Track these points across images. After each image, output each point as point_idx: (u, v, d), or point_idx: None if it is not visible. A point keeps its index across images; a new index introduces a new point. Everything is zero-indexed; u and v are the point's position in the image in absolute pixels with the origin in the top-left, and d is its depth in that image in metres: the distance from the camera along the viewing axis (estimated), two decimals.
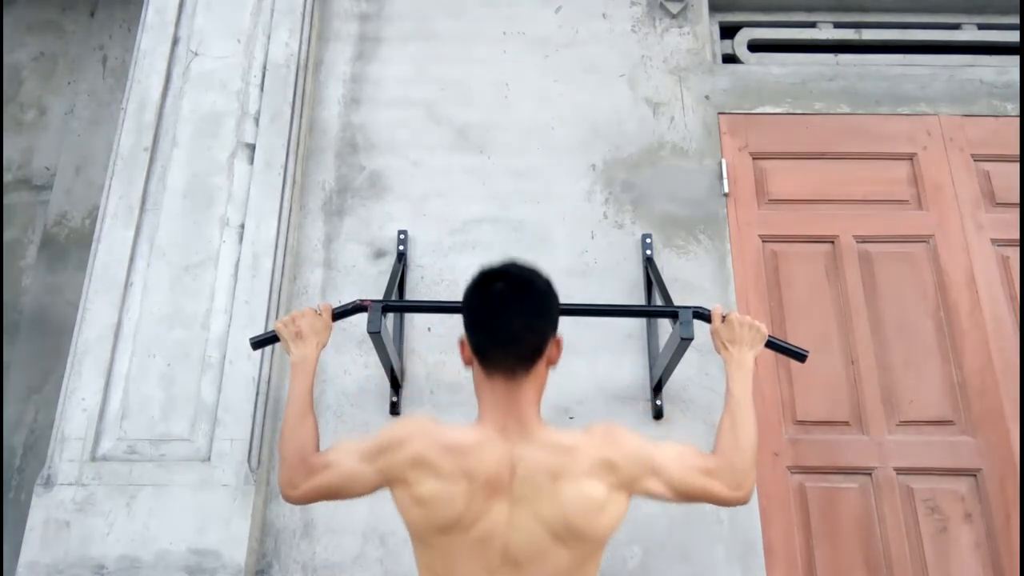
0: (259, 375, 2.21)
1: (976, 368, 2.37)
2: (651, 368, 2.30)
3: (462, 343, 1.39)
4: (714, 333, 1.67)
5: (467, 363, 1.39)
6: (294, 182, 2.50)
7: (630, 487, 1.33)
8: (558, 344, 1.38)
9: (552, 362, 1.38)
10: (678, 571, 2.12)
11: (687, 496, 1.39)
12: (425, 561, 1.33)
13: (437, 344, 2.36)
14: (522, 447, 1.29)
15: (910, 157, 2.66)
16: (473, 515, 1.26)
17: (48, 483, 2.07)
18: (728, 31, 2.99)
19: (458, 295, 2.41)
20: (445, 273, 2.47)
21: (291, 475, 1.42)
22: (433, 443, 1.31)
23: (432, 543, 1.29)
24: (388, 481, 1.34)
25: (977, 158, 2.65)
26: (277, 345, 1.92)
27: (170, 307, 2.27)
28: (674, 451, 1.39)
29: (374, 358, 2.23)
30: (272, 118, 2.53)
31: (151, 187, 2.43)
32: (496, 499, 1.26)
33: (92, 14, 3.55)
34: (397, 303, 2.22)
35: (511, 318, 1.32)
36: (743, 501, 1.43)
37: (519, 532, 1.25)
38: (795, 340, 2.17)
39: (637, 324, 2.38)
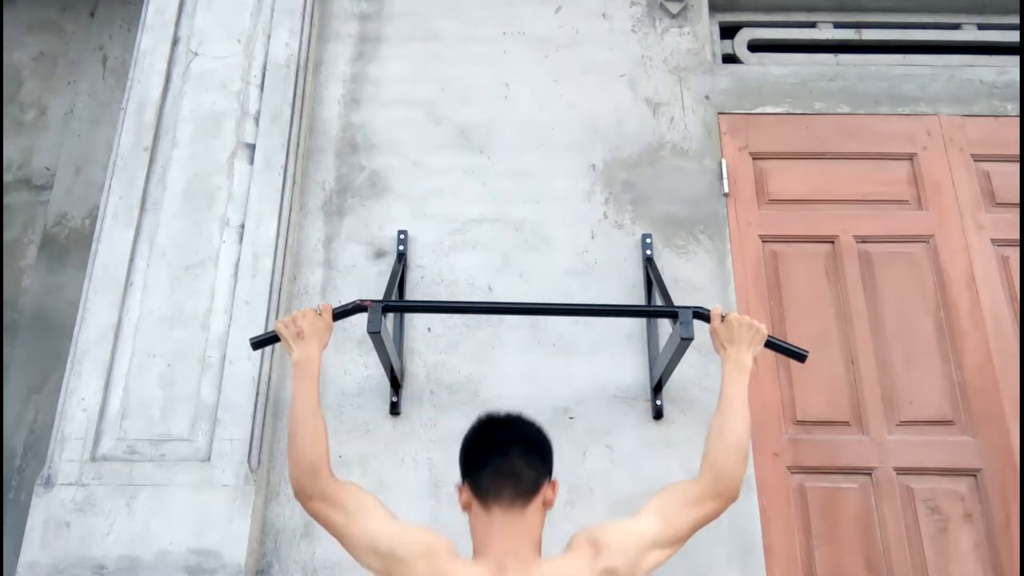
0: (259, 375, 2.21)
1: (976, 368, 2.37)
2: (651, 368, 2.30)
3: (460, 488, 1.44)
4: (713, 333, 1.67)
5: (465, 508, 1.42)
6: (294, 182, 2.50)
7: (634, 573, 1.35)
8: (554, 487, 1.43)
9: (548, 504, 1.42)
10: (678, 571, 2.12)
11: (687, 536, 1.44)
12: None
13: (437, 344, 2.36)
14: None
15: (910, 157, 2.66)
16: None
17: (48, 483, 2.07)
18: (728, 31, 2.99)
19: (458, 295, 2.44)
20: (445, 273, 2.47)
21: (302, 483, 1.46)
22: (438, 574, 1.33)
23: None
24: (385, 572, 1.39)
25: (977, 158, 2.65)
26: (277, 345, 1.92)
27: (170, 307, 2.27)
28: (655, 511, 1.43)
29: (374, 358, 2.23)
30: (272, 118, 2.53)
31: (151, 187, 2.43)
32: None
33: (92, 14, 3.55)
34: (397, 303, 2.22)
35: (510, 453, 1.39)
36: (732, 501, 1.47)
37: None
38: (795, 340, 2.17)
39: (637, 324, 2.38)
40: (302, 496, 1.47)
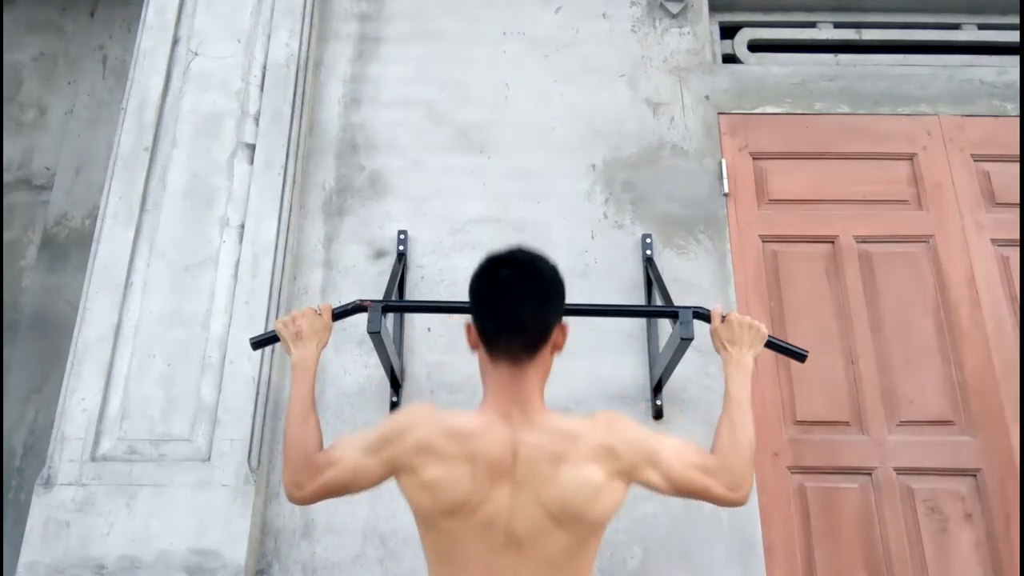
0: (259, 375, 2.21)
1: (976, 368, 2.37)
2: (651, 368, 2.30)
3: (468, 327, 1.40)
4: (714, 333, 1.67)
5: (473, 347, 1.40)
6: (294, 182, 2.50)
7: (629, 475, 1.33)
8: (563, 330, 1.39)
9: (557, 348, 1.39)
10: (678, 571, 2.12)
11: (684, 491, 1.38)
12: (431, 545, 1.33)
13: (437, 344, 2.36)
14: (525, 432, 1.30)
15: (910, 157, 2.66)
16: (478, 498, 1.27)
17: (48, 483, 2.07)
18: (728, 31, 2.99)
19: (458, 295, 2.43)
20: (445, 273, 2.47)
21: (296, 476, 1.42)
22: (437, 428, 1.32)
23: (439, 527, 1.30)
24: (394, 470, 1.35)
25: (977, 158, 2.65)
26: (277, 345, 1.92)
27: (170, 307, 2.27)
28: (675, 446, 1.39)
29: (374, 358, 2.23)
30: (272, 118, 2.53)
31: (151, 187, 2.43)
32: (499, 483, 1.28)
33: (92, 14, 3.56)
34: (397, 303, 2.22)
35: (517, 305, 1.33)
36: (740, 502, 1.43)
37: (520, 515, 1.27)
38: (795, 340, 2.17)
39: (637, 324, 2.38)
40: (296, 490, 1.41)
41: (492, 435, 1.30)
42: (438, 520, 1.29)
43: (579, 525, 1.28)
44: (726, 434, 1.45)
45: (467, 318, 1.39)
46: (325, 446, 1.46)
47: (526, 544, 1.27)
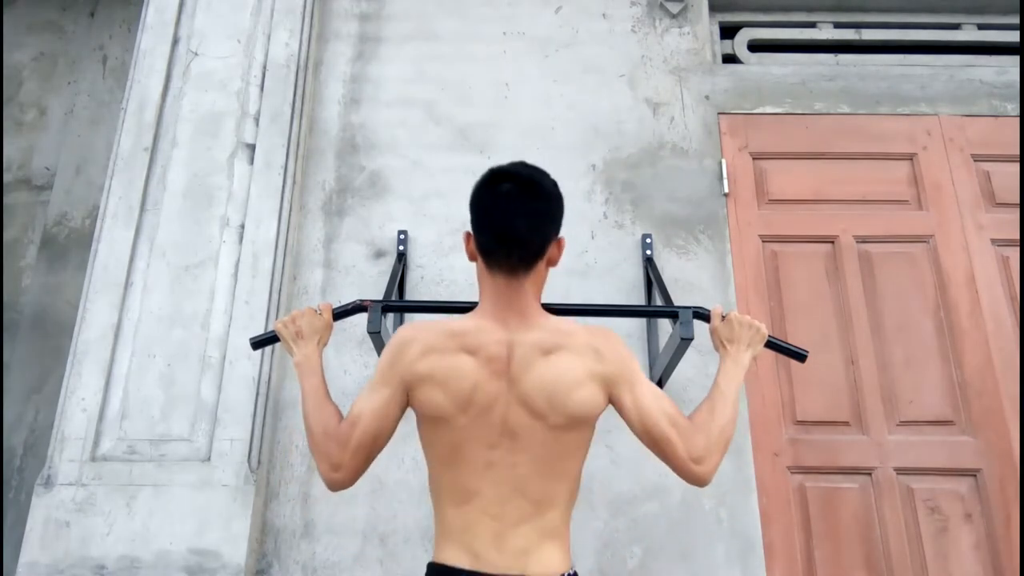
0: (259, 375, 2.21)
1: (976, 368, 2.37)
2: (651, 368, 2.30)
3: (467, 237, 1.42)
4: (713, 332, 1.66)
5: (471, 258, 1.43)
6: (294, 182, 2.50)
7: (608, 385, 1.36)
8: (559, 245, 1.41)
9: (552, 262, 1.42)
10: (678, 571, 2.12)
11: (648, 433, 1.38)
12: (435, 452, 1.37)
13: None
14: (521, 334, 1.35)
15: (910, 157, 2.66)
16: (481, 393, 1.32)
17: (48, 483, 2.07)
18: (728, 31, 2.99)
19: (458, 295, 2.43)
20: (445, 273, 2.47)
21: (328, 458, 1.40)
22: (435, 332, 1.37)
23: (449, 425, 1.33)
24: (408, 388, 1.37)
25: (977, 158, 2.65)
26: (277, 345, 1.92)
27: (170, 307, 2.27)
28: (656, 390, 1.42)
29: (374, 358, 2.23)
30: (272, 118, 2.53)
31: (151, 187, 2.43)
32: (497, 378, 1.33)
33: (92, 14, 3.56)
34: (397, 303, 2.21)
35: (516, 220, 1.35)
36: (700, 478, 1.39)
37: (514, 408, 1.32)
38: (795, 340, 2.17)
39: (637, 324, 2.38)
40: (336, 471, 1.38)
41: (489, 334, 1.35)
42: (454, 417, 1.32)
43: (561, 416, 1.32)
44: (704, 414, 1.44)
45: (466, 227, 1.42)
46: None
47: (520, 438, 1.32)
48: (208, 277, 2.31)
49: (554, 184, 1.41)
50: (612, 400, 1.38)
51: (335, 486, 1.42)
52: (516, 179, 1.38)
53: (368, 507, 2.17)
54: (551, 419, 1.32)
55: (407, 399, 1.38)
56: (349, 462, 1.39)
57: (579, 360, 1.34)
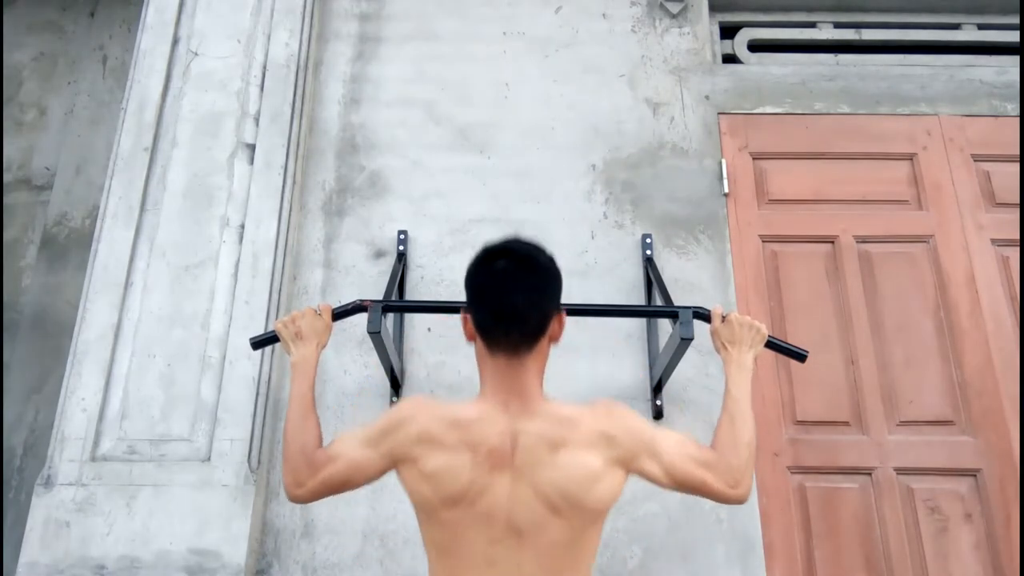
0: (259, 375, 2.21)
1: (976, 368, 2.37)
2: (651, 368, 2.30)
3: (464, 318, 1.39)
4: (714, 333, 1.67)
5: (469, 339, 1.39)
6: (294, 182, 2.50)
7: (627, 464, 1.33)
8: (560, 321, 1.38)
9: (554, 339, 1.38)
10: (678, 571, 2.12)
11: (682, 485, 1.37)
12: (431, 538, 1.33)
13: (437, 344, 2.36)
14: (524, 421, 1.30)
15: (910, 157, 2.66)
16: (478, 488, 1.27)
17: (48, 483, 2.07)
18: (728, 31, 2.99)
19: (458, 295, 2.41)
20: (445, 273, 2.47)
21: (296, 474, 1.41)
22: (436, 418, 1.32)
23: (439, 518, 1.30)
24: (395, 462, 1.34)
25: (977, 158, 2.65)
26: (277, 345, 1.92)
27: (170, 307, 2.27)
28: (675, 438, 1.39)
29: (374, 358, 2.23)
30: (272, 118, 2.53)
31: (151, 187, 2.43)
32: (499, 472, 1.27)
33: (92, 14, 3.55)
34: (397, 303, 2.22)
35: (514, 296, 1.32)
36: (739, 500, 1.42)
37: (520, 504, 1.26)
38: (795, 340, 2.17)
39: (637, 324, 2.38)
40: (296, 488, 1.41)
41: (491, 424, 1.30)
42: (439, 511, 1.29)
43: (577, 513, 1.27)
44: (726, 432, 1.44)
45: (463, 309, 1.39)
46: (324, 444, 1.46)
47: (526, 534, 1.26)
48: (208, 277, 2.31)
49: (550, 259, 1.38)
50: (635, 472, 1.34)
51: (293, 500, 1.43)
52: (512, 255, 1.35)
53: (368, 507, 2.16)
54: (566, 515, 1.26)
55: (392, 468, 1.35)
56: (313, 487, 1.40)
57: (592, 453, 1.29)
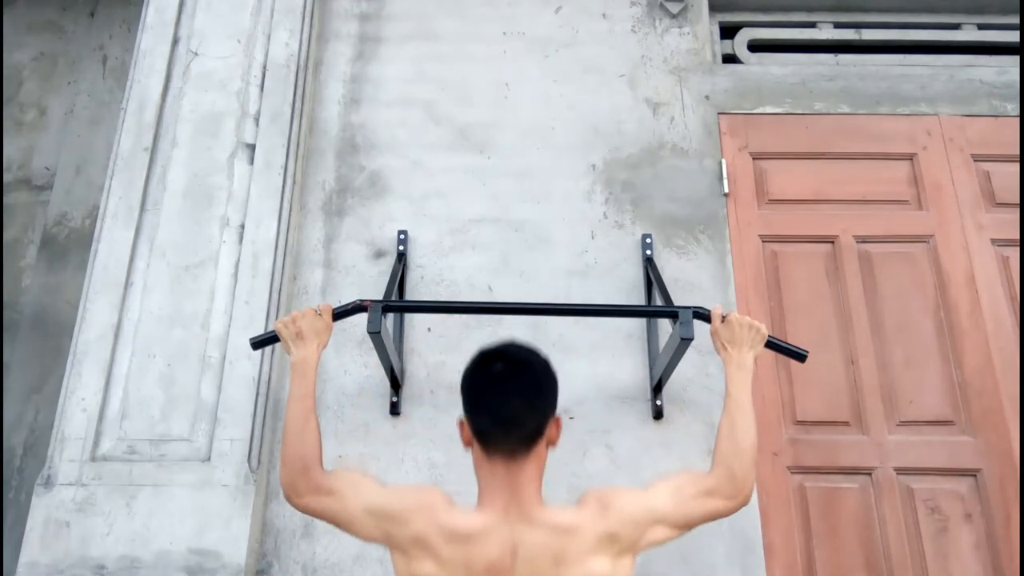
0: (259, 375, 2.21)
1: (976, 368, 2.37)
2: (651, 368, 2.30)
3: (461, 424, 1.39)
4: (714, 333, 1.67)
5: (467, 444, 1.38)
6: (294, 182, 2.50)
7: (634, 548, 1.33)
8: (558, 424, 1.38)
9: (552, 442, 1.38)
10: (678, 571, 2.12)
11: (694, 525, 1.40)
12: None
13: (437, 344, 2.36)
14: (523, 530, 1.29)
15: (910, 157, 2.66)
16: None
17: (48, 483, 2.07)
18: (728, 31, 2.99)
19: (458, 295, 2.44)
20: (445, 273, 2.47)
21: (294, 482, 1.43)
22: (436, 527, 1.31)
23: None
24: (389, 544, 1.36)
25: (977, 158, 2.65)
26: (277, 345, 1.92)
27: (170, 307, 2.27)
28: (670, 490, 1.40)
29: (374, 358, 2.23)
30: (272, 118, 2.53)
31: (151, 187, 2.43)
32: None
33: (92, 14, 3.55)
34: (397, 303, 2.22)
35: (511, 400, 1.32)
36: (744, 505, 1.44)
37: None
38: (795, 340, 2.17)
39: (637, 324, 2.38)
40: (294, 495, 1.43)
41: (491, 538, 1.29)
42: None
43: None
44: (727, 438, 1.45)
45: (459, 415, 1.38)
46: (324, 444, 1.46)
47: None
48: (208, 277, 2.31)
49: (546, 362, 1.38)
50: (646, 548, 1.35)
51: (288, 502, 1.45)
52: (507, 358, 1.36)
53: None
54: None
55: (385, 544, 1.36)
56: (307, 506, 1.43)
57: (598, 557, 1.29)
